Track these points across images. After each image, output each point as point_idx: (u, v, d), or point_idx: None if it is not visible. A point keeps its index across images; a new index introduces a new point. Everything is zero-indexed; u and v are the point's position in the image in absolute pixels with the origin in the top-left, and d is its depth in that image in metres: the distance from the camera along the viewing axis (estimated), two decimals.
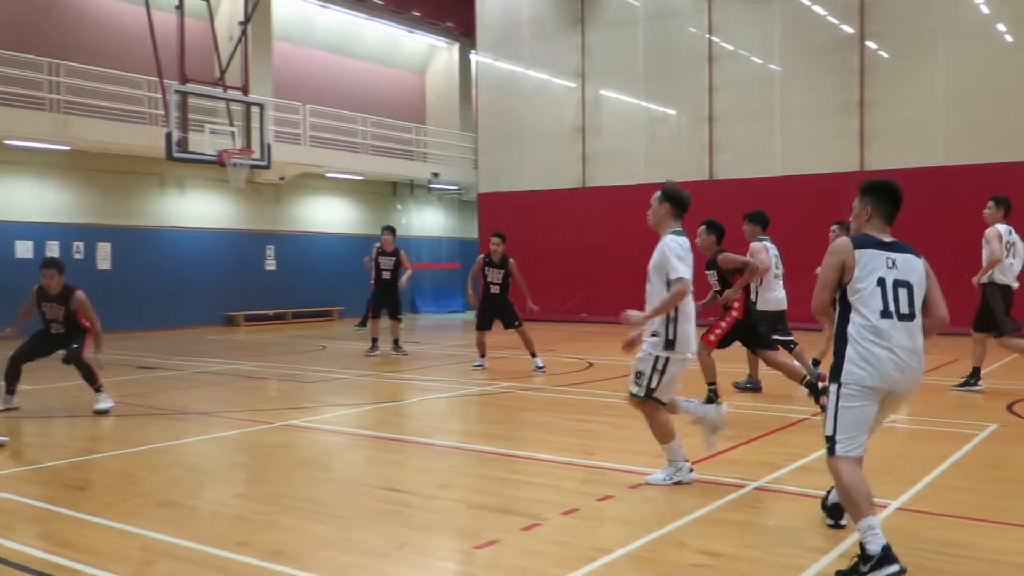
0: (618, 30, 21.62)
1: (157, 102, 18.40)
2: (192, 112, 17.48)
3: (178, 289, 20.50)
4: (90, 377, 9.12)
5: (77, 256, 18.79)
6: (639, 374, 5.83)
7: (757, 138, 19.72)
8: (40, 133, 17.36)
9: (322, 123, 23.09)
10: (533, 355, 12.20)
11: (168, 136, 16.14)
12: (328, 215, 24.79)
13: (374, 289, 14.49)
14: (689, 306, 5.81)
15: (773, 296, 10.08)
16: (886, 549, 3.90)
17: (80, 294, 9.16)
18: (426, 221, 28.12)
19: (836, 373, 4.23)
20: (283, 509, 5.32)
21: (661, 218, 6.00)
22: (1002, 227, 9.59)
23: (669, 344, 5.73)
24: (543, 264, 22.49)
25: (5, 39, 18.00)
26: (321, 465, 6.79)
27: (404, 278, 14.15)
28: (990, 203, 9.81)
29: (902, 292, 4.22)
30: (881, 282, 4.20)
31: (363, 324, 18.30)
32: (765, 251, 9.93)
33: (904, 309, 4.21)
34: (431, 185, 27.02)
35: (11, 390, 9.30)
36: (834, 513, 4.78)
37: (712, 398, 8.60)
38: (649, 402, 5.84)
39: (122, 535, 4.83)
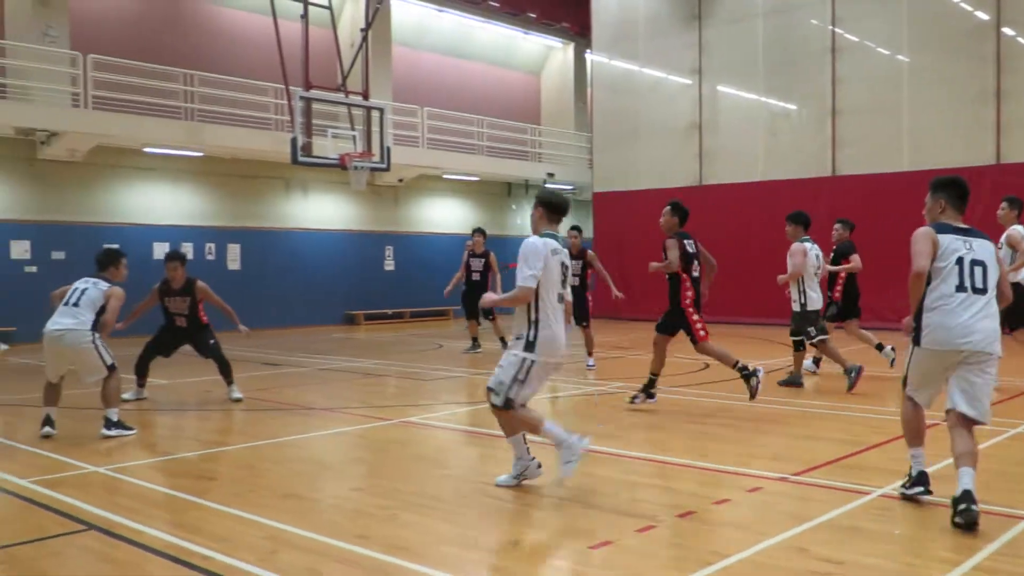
0: (736, 25, 21.18)
1: (283, 108, 19.09)
2: (315, 117, 18.06)
3: (302, 289, 21.21)
4: (227, 371, 9.64)
5: (209, 257, 19.69)
6: (500, 383, 5.60)
7: (883, 132, 18.98)
8: (175, 140, 18.28)
9: (439, 125, 23.48)
10: (589, 354, 12.65)
11: (293, 141, 16.70)
12: (445, 216, 25.18)
13: (464, 290, 14.58)
14: (550, 311, 5.55)
15: (813, 296, 10.47)
16: (922, 474, 5.21)
17: (201, 283, 9.70)
18: None
19: (916, 337, 5.07)
20: (402, 504, 5.43)
21: (535, 222, 5.89)
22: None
23: (529, 346, 5.55)
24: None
25: (144, 53, 19.02)
26: (438, 462, 6.91)
27: (498, 289, 13.86)
28: (1004, 204, 9.84)
29: (978, 270, 4.96)
30: (959, 261, 4.95)
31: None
32: (803, 254, 10.00)
33: (979, 284, 4.96)
34: (546, 185, 27.09)
35: (141, 383, 9.85)
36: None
37: (747, 373, 8.67)
38: (507, 411, 5.68)
39: (249, 524, 5.03)
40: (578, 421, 8.36)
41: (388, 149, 18.48)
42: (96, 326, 7.97)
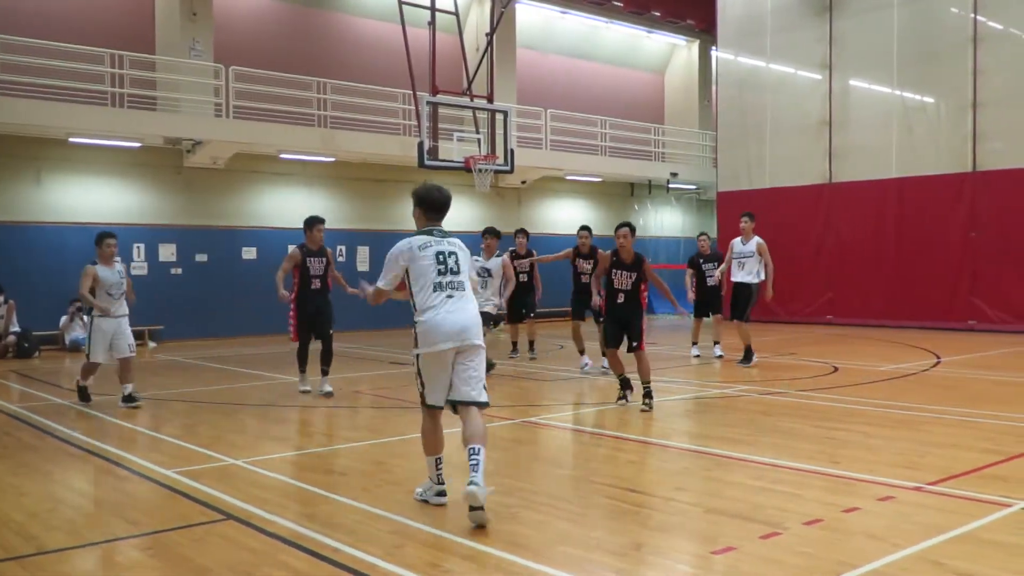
0: (869, 16, 20.38)
1: (410, 113, 19.55)
2: (441, 121, 18.40)
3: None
4: (328, 360, 10.39)
5: (340, 259, 20.34)
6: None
7: None
8: (309, 146, 19.00)
9: (562, 127, 23.54)
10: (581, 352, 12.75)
11: (420, 145, 17.06)
12: (567, 216, 25.22)
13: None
14: (428, 303, 5.44)
15: None
16: None
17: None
18: (664, 221, 27.92)
19: None
20: (523, 503, 5.50)
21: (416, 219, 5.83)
22: None
23: (415, 342, 5.48)
24: (785, 264, 21.54)
25: (280, 63, 19.86)
26: (559, 462, 6.95)
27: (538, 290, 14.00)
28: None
29: None
30: None
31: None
32: None
33: None
34: (669, 185, 26.79)
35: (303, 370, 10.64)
36: None
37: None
38: (423, 408, 5.59)
39: (376, 518, 5.19)
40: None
41: (512, 151, 18.65)
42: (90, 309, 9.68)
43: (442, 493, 5.54)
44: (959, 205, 18.73)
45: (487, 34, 19.22)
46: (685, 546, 4.81)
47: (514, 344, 14.44)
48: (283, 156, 19.44)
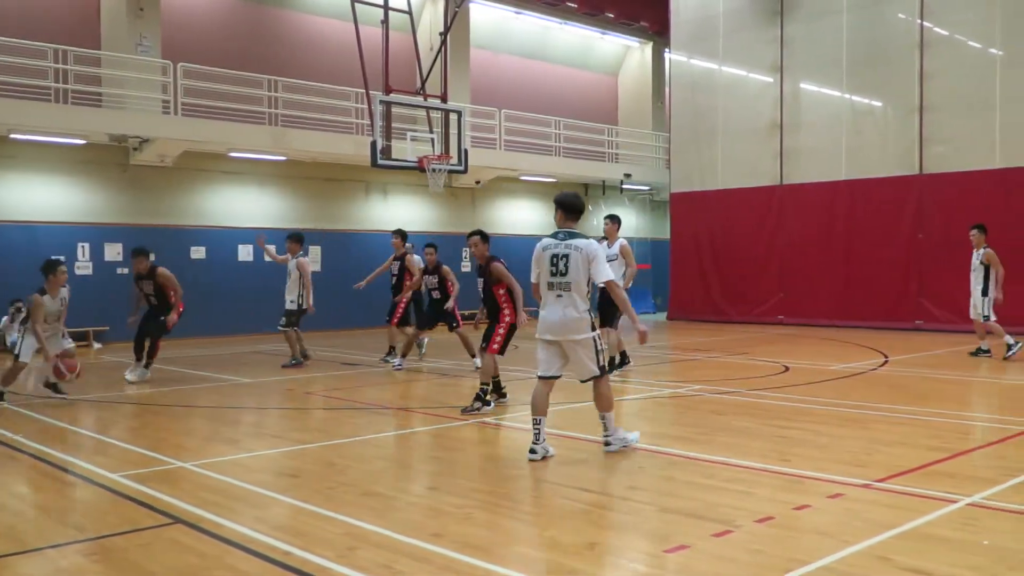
0: (820, 20, 20.71)
1: (363, 112, 19.41)
2: (395, 121, 18.27)
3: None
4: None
5: (295, 256, 20.10)
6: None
7: (974, 129, 18.32)
8: (260, 145, 18.76)
9: (516, 127, 23.55)
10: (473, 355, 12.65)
11: (373, 144, 16.93)
12: (521, 217, 25.24)
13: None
14: (544, 297, 6.74)
15: None
16: None
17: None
18: None
19: None
20: (476, 503, 5.47)
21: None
22: None
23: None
24: (737, 265, 21.96)
25: (230, 60, 19.59)
26: (513, 462, 6.93)
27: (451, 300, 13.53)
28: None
29: None
30: None
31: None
32: None
33: None
34: (623, 186, 26.94)
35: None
36: None
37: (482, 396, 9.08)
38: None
39: (328, 521, 5.13)
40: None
41: (466, 151, 18.59)
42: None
43: (532, 451, 6.66)
44: (906, 207, 19.10)
45: (441, 33, 19.12)
46: (639, 545, 4.82)
47: (391, 348, 14.06)
48: (233, 155, 19.17)
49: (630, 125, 28.41)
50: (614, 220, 12.21)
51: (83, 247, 17.73)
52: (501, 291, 9.37)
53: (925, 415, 8.46)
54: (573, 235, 6.59)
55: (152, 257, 13.03)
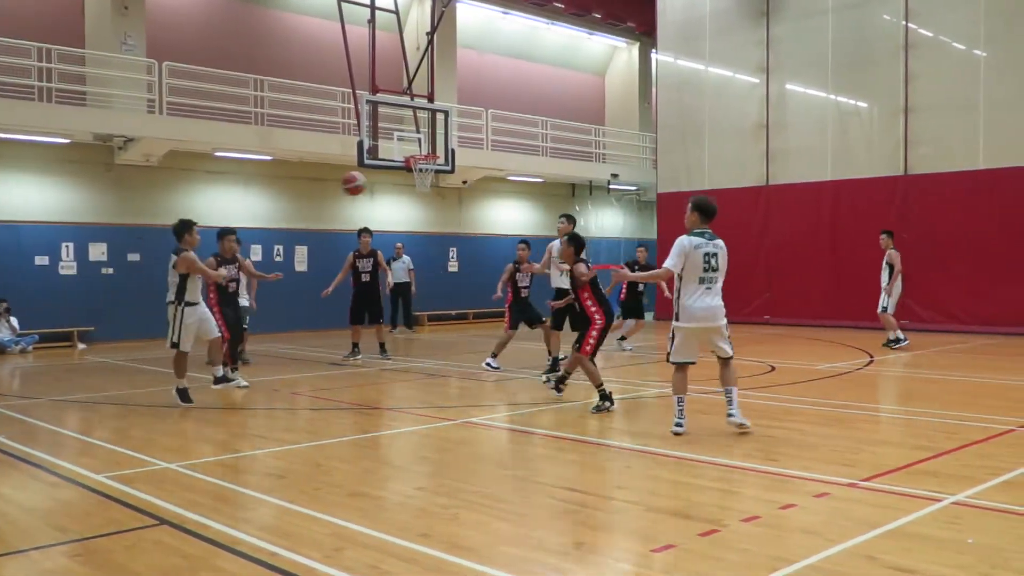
0: (805, 21, 20.81)
1: (350, 112, 19.36)
2: (381, 120, 18.23)
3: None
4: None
5: (277, 259, 20.07)
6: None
7: (958, 130, 18.43)
8: (246, 145, 18.68)
9: (503, 127, 23.55)
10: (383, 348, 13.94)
11: (360, 144, 16.89)
12: (508, 217, 25.24)
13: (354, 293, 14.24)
14: (691, 290, 7.40)
15: None
16: None
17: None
18: (604, 222, 28.11)
19: None
20: (464, 504, 5.46)
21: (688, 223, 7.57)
22: None
23: (676, 316, 7.49)
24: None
25: (216, 59, 19.49)
26: (500, 462, 6.93)
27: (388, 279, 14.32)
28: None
29: None
30: None
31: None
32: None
33: None
34: (610, 186, 26.97)
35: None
36: None
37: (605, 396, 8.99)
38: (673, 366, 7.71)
39: (315, 521, 5.11)
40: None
41: (453, 151, 18.57)
42: (180, 296, 9.27)
43: (679, 425, 7.55)
44: (891, 208, 19.20)
45: (428, 33, 19.10)
46: (626, 544, 4.83)
47: (354, 345, 14.14)
48: (219, 154, 19.08)
49: (617, 125, 28.46)
50: (570, 219, 12.11)
51: (67, 247, 17.61)
52: (585, 295, 9.17)
53: (910, 414, 8.50)
54: (714, 236, 7.50)
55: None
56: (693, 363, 7.59)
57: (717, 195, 22.00)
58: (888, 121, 19.55)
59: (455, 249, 23.81)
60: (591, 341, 9.02)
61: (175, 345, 9.36)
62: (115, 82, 17.50)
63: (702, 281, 7.36)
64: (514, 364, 13.31)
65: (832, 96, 20.51)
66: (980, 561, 4.31)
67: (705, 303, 7.38)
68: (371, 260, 14.20)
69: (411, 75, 18.62)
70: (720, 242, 7.52)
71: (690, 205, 7.56)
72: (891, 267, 14.90)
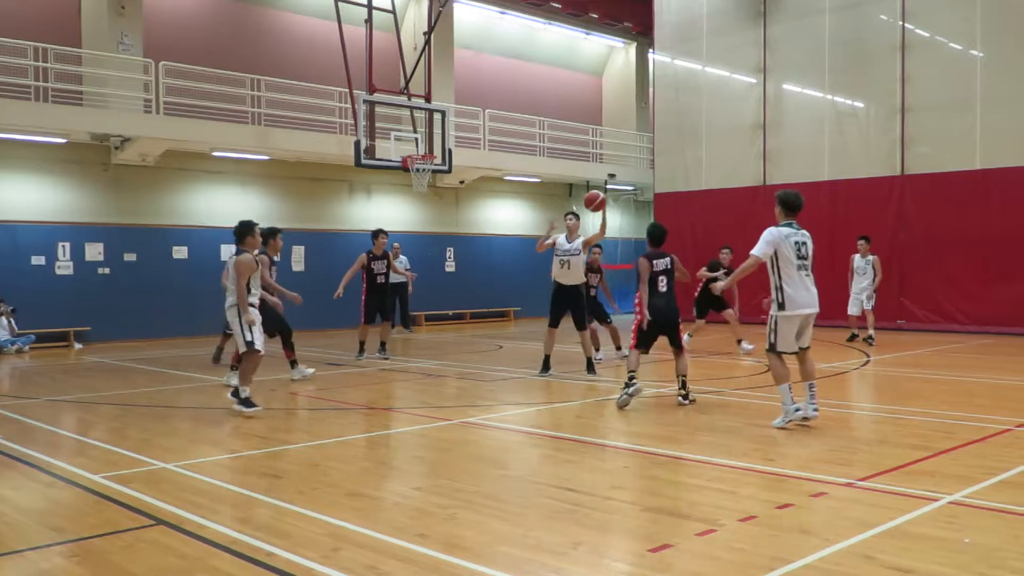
0: (802, 21, 20.82)
1: (347, 112, 19.34)
2: (379, 120, 18.24)
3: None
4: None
5: (276, 259, 19.99)
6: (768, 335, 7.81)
7: (955, 130, 18.46)
8: (243, 144, 18.68)
9: (500, 127, 23.55)
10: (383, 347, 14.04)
11: (357, 144, 16.89)
12: (505, 217, 25.24)
13: (365, 293, 14.33)
14: (789, 279, 7.63)
15: None
16: None
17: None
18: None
19: None
20: (462, 504, 5.46)
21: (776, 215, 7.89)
22: None
23: (780, 307, 7.63)
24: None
25: (213, 59, 19.48)
26: (498, 462, 6.93)
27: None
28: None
29: None
30: None
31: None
32: None
33: None
34: (607, 186, 26.96)
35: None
36: None
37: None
38: (769, 354, 7.87)
39: (312, 521, 5.11)
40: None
41: (450, 151, 18.58)
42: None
43: (797, 409, 7.66)
44: (888, 208, 19.22)
45: (425, 33, 19.11)
46: (623, 544, 4.83)
47: (361, 344, 14.31)
48: (216, 154, 19.07)
49: (614, 125, 28.46)
50: (577, 216, 12.24)
51: (64, 247, 17.59)
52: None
53: (907, 414, 8.51)
54: (800, 226, 7.77)
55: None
56: (795, 352, 7.84)
57: (714, 195, 22.28)
58: (885, 121, 19.57)
59: (452, 249, 23.80)
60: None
61: (250, 344, 8.84)
62: (112, 82, 17.48)
63: (800, 269, 7.60)
64: (514, 364, 13.31)
65: (829, 96, 20.53)
66: (977, 560, 4.31)
67: (808, 289, 7.65)
68: (384, 262, 14.34)
69: (408, 75, 18.63)
70: (806, 232, 7.77)
71: (776, 199, 7.91)
72: (874, 270, 15.78)
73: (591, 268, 13.49)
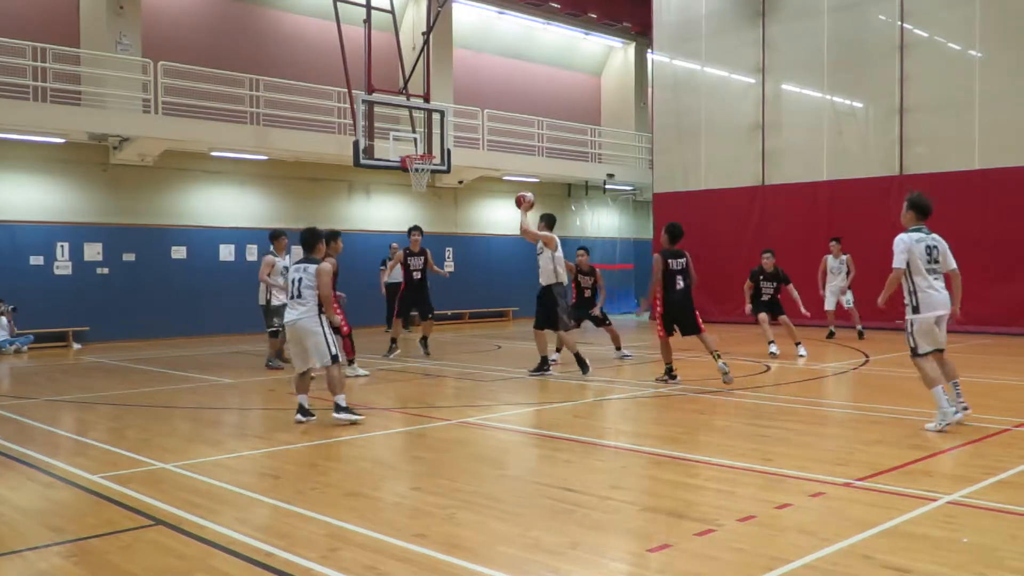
0: (801, 22, 20.82)
1: (346, 112, 19.34)
2: (377, 120, 18.24)
3: (364, 289, 21.42)
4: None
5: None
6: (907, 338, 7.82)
7: (954, 130, 18.47)
8: (242, 144, 18.66)
9: (499, 127, 23.55)
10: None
11: (355, 144, 16.89)
12: (504, 217, 25.22)
13: (403, 289, 14.47)
14: (923, 282, 7.70)
15: None
16: None
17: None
18: (600, 222, 28.12)
19: None
20: (460, 504, 5.46)
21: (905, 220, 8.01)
22: None
23: (914, 310, 7.75)
24: (719, 265, 21.99)
25: (211, 59, 19.47)
26: (496, 462, 6.93)
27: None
28: None
29: None
30: None
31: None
32: None
33: None
34: (606, 186, 26.99)
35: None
36: None
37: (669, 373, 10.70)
38: (914, 359, 7.84)
39: (311, 522, 5.11)
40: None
41: (448, 151, 18.59)
42: (321, 307, 8.52)
43: (956, 412, 7.63)
44: (887, 208, 19.19)
45: (423, 33, 19.12)
46: (622, 544, 4.83)
47: (393, 341, 14.50)
48: (215, 154, 19.06)
49: (613, 125, 28.47)
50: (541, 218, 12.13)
51: (62, 247, 17.58)
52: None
53: (905, 414, 8.52)
54: (930, 231, 7.91)
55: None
56: (942, 350, 7.85)
57: (713, 195, 22.28)
58: (884, 121, 19.58)
59: (451, 249, 23.80)
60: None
61: (335, 358, 8.49)
62: (110, 82, 17.47)
63: (931, 272, 7.73)
64: (512, 364, 13.31)
65: (828, 96, 20.54)
66: (975, 560, 4.32)
67: (941, 291, 7.77)
68: (422, 258, 14.38)
69: (407, 75, 18.64)
70: (938, 236, 7.93)
71: (906, 203, 8.02)
72: (848, 268, 16.49)
73: (580, 270, 13.68)
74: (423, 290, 14.45)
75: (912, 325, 7.79)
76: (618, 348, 13.65)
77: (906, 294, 7.78)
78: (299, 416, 8.51)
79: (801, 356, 13.60)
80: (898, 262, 7.74)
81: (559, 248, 11.55)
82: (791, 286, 14.61)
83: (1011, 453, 6.72)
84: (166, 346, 17.18)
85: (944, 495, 5.46)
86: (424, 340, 14.59)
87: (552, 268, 11.49)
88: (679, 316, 10.54)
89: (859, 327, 16.62)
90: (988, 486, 5.72)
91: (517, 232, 12.71)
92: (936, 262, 7.79)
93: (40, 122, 16.29)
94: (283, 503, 5.52)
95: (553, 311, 11.54)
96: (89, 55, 17.66)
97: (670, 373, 10.73)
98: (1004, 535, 4.71)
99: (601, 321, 13.72)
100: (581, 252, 13.92)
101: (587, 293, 13.66)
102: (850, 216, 19.69)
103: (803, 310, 14.59)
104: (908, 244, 7.76)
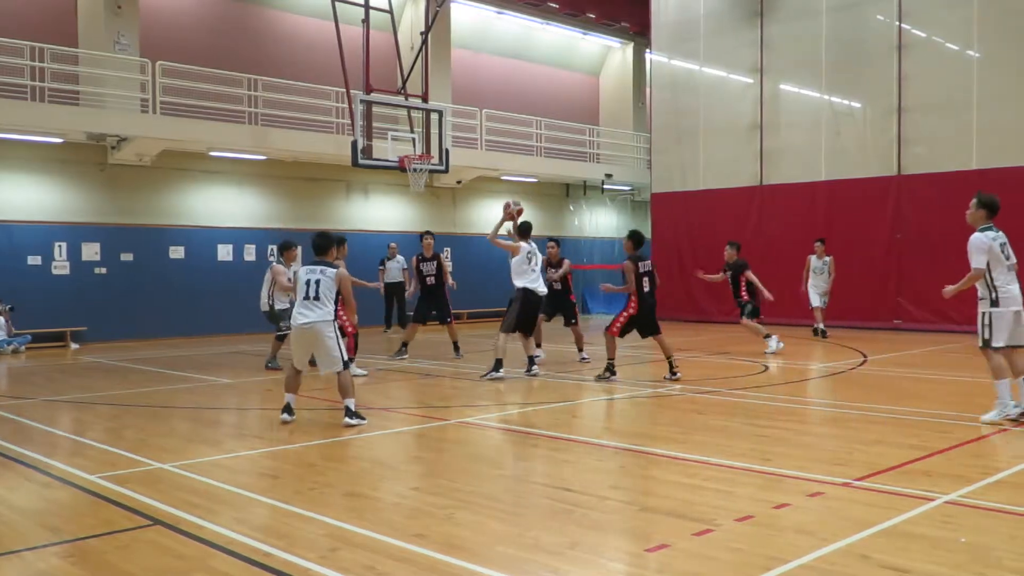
0: (799, 22, 20.83)
1: (344, 112, 19.33)
2: (376, 120, 18.25)
3: (363, 289, 21.42)
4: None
5: (271, 259, 19.99)
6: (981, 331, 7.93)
7: (952, 130, 18.48)
8: (240, 144, 18.65)
9: (497, 127, 23.54)
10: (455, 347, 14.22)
11: (354, 144, 16.90)
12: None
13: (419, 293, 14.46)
14: (1003, 277, 7.91)
15: None
16: None
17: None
18: (599, 222, 28.13)
19: None
20: (459, 504, 5.46)
21: (974, 219, 8.17)
22: None
23: (993, 303, 7.85)
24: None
25: (210, 59, 19.45)
26: (495, 462, 6.93)
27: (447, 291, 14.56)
28: None
29: None
30: None
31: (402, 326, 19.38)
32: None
33: None
34: (604, 186, 26.99)
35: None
36: None
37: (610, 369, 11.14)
38: (985, 351, 7.91)
39: (309, 522, 5.11)
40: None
41: (447, 151, 18.60)
42: (336, 315, 8.53)
43: (1017, 406, 7.84)
44: (885, 208, 19.25)
45: (422, 33, 19.14)
46: (620, 544, 4.83)
47: (404, 344, 14.44)
48: (213, 154, 19.05)
49: (611, 125, 28.48)
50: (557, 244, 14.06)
51: (60, 247, 17.57)
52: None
53: (904, 414, 8.52)
54: (998, 229, 8.14)
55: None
56: (1021, 346, 7.95)
57: (711, 195, 22.28)
58: (882, 121, 19.59)
59: (449, 249, 23.78)
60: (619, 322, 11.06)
61: (347, 364, 8.51)
62: (108, 81, 17.45)
63: (1010, 269, 7.99)
64: (511, 364, 13.30)
65: (826, 96, 20.55)
66: (973, 560, 4.32)
67: (1018, 286, 8.01)
68: (434, 263, 14.34)
69: (405, 75, 18.65)
70: (1003, 232, 8.18)
71: (976, 201, 8.19)
72: (829, 272, 17.01)
73: (550, 263, 13.88)
74: (440, 295, 14.41)
75: (990, 318, 7.93)
76: (580, 350, 13.56)
77: (983, 288, 7.94)
78: (284, 415, 8.49)
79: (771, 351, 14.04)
80: (979, 262, 7.89)
81: (523, 254, 12.54)
82: (749, 271, 15.06)
83: (1008, 453, 6.73)
84: (164, 346, 17.17)
85: (942, 495, 5.46)
86: (455, 345, 14.45)
87: (519, 269, 12.45)
88: (647, 318, 11.14)
89: (821, 326, 17.21)
90: (986, 486, 5.73)
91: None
92: (1009, 258, 8.03)
93: (38, 122, 16.28)
94: (282, 503, 5.52)
95: (511, 310, 12.12)
96: (87, 55, 17.64)
97: (611, 369, 11.14)
98: (1002, 535, 4.72)
99: (568, 320, 13.70)
100: (552, 245, 14.05)
101: (556, 286, 13.59)
102: (848, 216, 19.70)
103: (767, 294, 14.84)
104: (987, 243, 7.95)
